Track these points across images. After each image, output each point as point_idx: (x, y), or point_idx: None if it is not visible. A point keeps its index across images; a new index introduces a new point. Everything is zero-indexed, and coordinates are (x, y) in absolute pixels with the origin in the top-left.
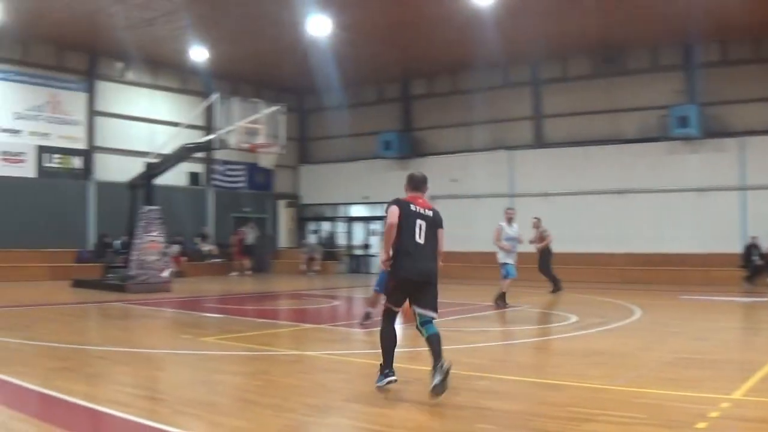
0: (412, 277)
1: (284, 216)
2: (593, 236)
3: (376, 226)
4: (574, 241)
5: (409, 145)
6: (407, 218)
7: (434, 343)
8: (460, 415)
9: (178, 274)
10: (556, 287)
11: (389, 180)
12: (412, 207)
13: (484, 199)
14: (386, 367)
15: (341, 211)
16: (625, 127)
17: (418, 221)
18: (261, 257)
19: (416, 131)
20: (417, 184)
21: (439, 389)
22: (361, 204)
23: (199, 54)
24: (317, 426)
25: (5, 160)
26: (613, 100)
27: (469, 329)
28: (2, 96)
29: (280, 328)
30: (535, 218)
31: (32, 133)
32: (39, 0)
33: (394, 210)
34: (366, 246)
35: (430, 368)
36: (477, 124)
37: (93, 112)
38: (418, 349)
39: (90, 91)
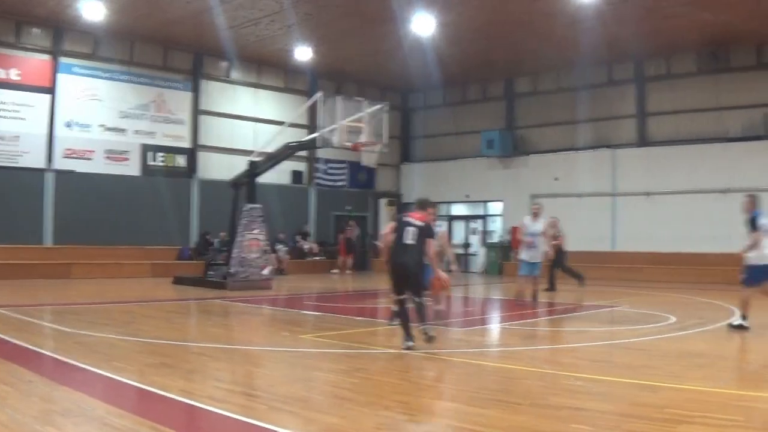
0: (395, 267)
1: (386, 214)
2: (696, 236)
3: (476, 224)
4: (676, 241)
5: (511, 143)
6: (400, 227)
7: (419, 310)
8: (555, 415)
9: (280, 272)
10: (580, 281)
11: (491, 179)
12: (404, 218)
13: (587, 198)
14: (407, 336)
15: (443, 210)
16: (730, 126)
17: (407, 227)
18: (361, 255)
19: (519, 129)
20: (421, 205)
21: (429, 339)
22: (462, 203)
23: (303, 53)
24: (413, 425)
25: (110, 158)
26: (717, 97)
27: (566, 329)
28: (108, 95)
29: (378, 326)
30: (552, 218)
31: (137, 132)
32: (146, 0)
33: (391, 224)
34: (467, 245)
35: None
36: (580, 122)
37: (197, 111)
38: (511, 349)
39: (195, 90)
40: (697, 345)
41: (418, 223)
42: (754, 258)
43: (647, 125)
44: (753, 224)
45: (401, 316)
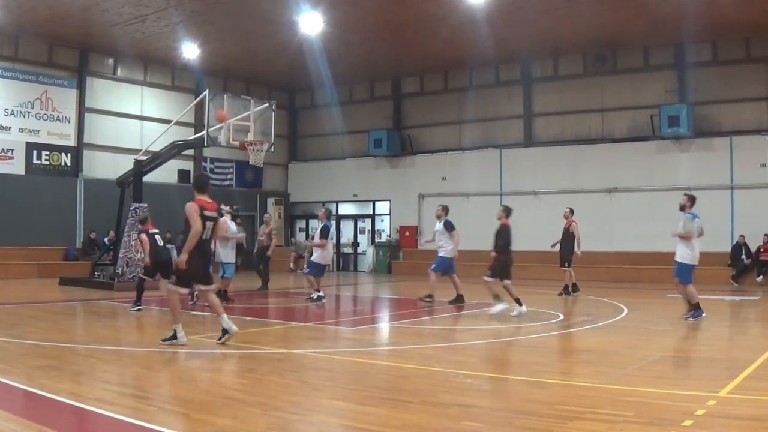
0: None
1: (273, 214)
2: (582, 235)
3: (364, 224)
4: None
5: (399, 143)
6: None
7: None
8: (446, 413)
9: None
10: (262, 287)
11: (379, 178)
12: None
13: (474, 198)
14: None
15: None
16: (616, 126)
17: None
18: (249, 255)
19: (407, 129)
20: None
21: None
22: (350, 202)
23: (190, 51)
24: (303, 424)
25: None
26: (603, 99)
27: (455, 327)
28: None
29: (267, 326)
30: (267, 215)
31: (22, 130)
32: None
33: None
34: (355, 244)
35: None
36: (467, 122)
37: (83, 109)
38: (401, 347)
39: (80, 87)
40: (585, 342)
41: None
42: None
43: (534, 126)
44: (325, 233)
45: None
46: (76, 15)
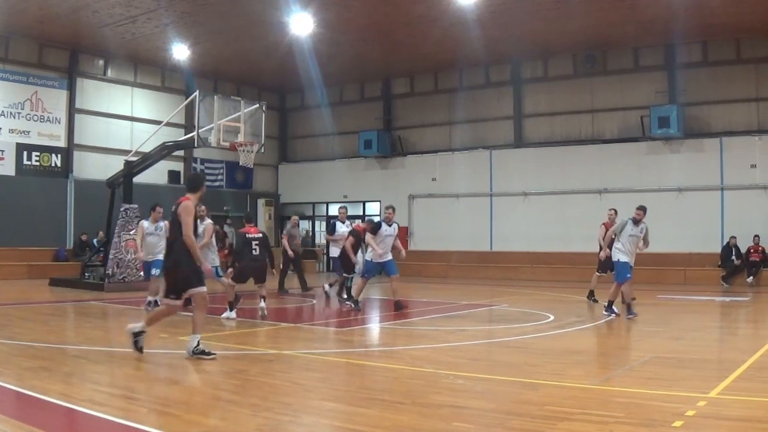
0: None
1: (263, 215)
2: (573, 236)
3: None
4: (553, 240)
5: (389, 144)
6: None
7: None
8: (437, 414)
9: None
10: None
11: (369, 179)
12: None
13: (464, 199)
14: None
15: (320, 210)
16: (606, 127)
17: None
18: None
19: (397, 130)
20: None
21: None
22: (340, 203)
23: (180, 52)
24: (294, 425)
25: None
26: (594, 100)
27: (446, 328)
28: None
29: (258, 327)
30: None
31: (12, 131)
32: None
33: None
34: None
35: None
36: (458, 123)
37: (73, 110)
38: (392, 348)
39: (70, 88)
40: (575, 342)
41: None
42: None
43: (524, 126)
44: None
45: None
46: (66, 16)
